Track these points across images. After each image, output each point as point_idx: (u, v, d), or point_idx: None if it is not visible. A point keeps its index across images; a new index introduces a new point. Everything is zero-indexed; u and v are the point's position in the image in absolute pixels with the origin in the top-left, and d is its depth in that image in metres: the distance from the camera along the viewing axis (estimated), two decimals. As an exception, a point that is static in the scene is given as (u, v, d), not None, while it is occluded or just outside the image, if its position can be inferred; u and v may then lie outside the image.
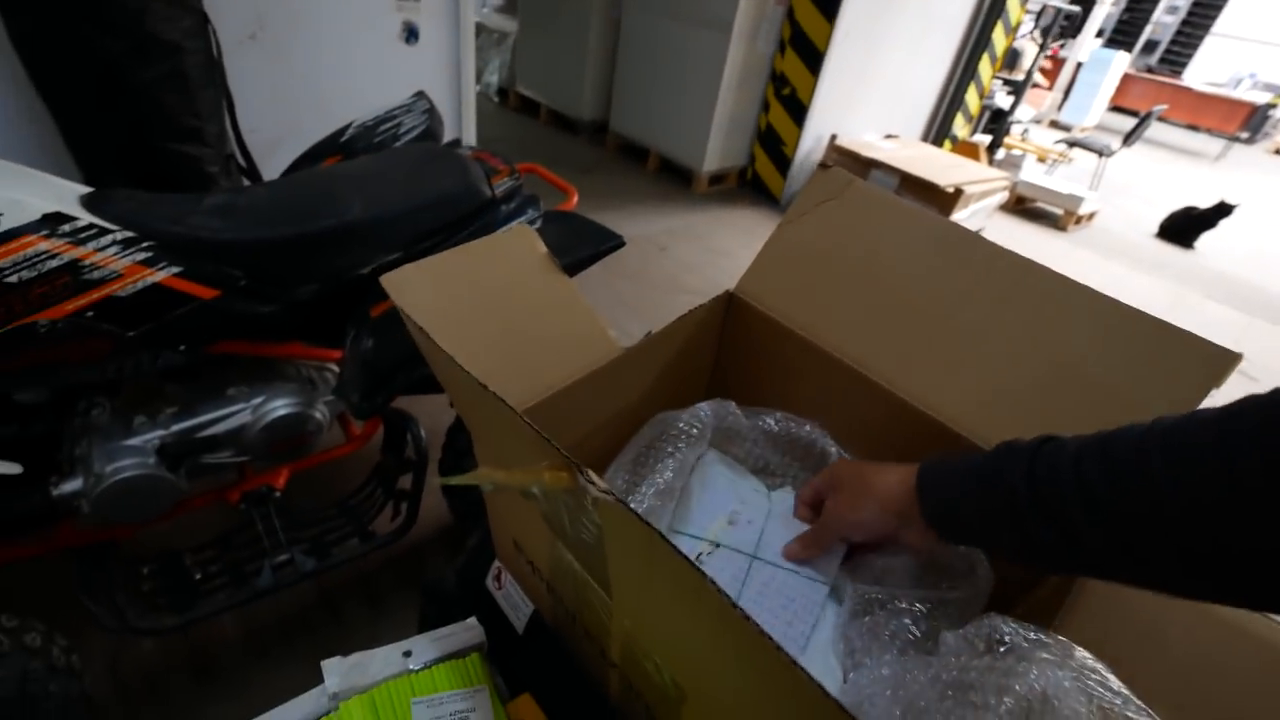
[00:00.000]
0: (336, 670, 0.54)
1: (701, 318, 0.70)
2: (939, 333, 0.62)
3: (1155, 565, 0.39)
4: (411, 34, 2.26)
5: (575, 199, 1.48)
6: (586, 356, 0.62)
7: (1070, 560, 0.43)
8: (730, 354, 0.77)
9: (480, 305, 0.60)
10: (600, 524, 0.39)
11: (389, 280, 0.57)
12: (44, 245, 0.88)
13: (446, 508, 1.60)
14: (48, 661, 0.93)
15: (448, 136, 1.58)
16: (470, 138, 2.62)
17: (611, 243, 1.30)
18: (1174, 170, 7.77)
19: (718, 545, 0.61)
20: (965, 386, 0.60)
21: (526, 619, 0.72)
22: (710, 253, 3.48)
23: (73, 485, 1.07)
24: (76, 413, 1.12)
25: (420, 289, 0.57)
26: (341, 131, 1.44)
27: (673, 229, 3.67)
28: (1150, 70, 10.81)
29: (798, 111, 4.00)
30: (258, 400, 1.22)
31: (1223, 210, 4.92)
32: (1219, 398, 0.44)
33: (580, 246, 1.26)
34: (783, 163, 4.19)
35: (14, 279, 0.87)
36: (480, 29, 5.20)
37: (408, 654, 0.57)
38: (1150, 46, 10.99)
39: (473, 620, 0.62)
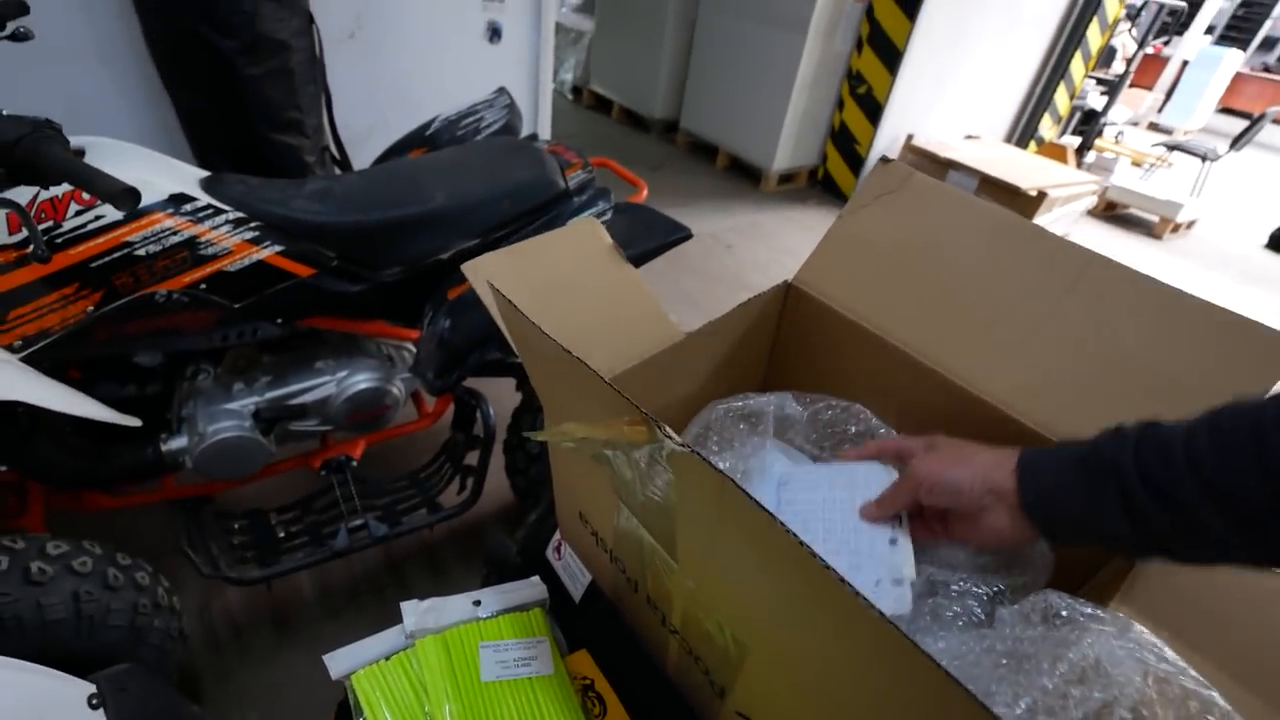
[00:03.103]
0: (413, 611, 0.59)
1: (761, 307, 0.71)
2: (998, 322, 0.62)
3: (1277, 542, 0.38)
4: (495, 33, 2.35)
5: (645, 193, 1.52)
6: (649, 340, 0.65)
7: (1189, 544, 0.42)
8: (787, 343, 0.79)
9: (550, 291, 0.64)
10: (672, 481, 0.41)
11: (470, 267, 0.62)
12: (169, 222, 0.98)
13: (509, 487, 1.67)
14: (154, 599, 1.03)
15: (525, 131, 1.64)
16: (546, 132, 2.70)
17: (679, 234, 1.33)
18: (1290, 178, 7.17)
19: None
20: (1025, 375, 0.60)
21: (584, 589, 0.75)
22: (776, 251, 3.45)
23: (179, 442, 1.18)
24: (185, 377, 1.23)
25: (497, 275, 0.61)
26: (427, 125, 1.52)
27: (739, 227, 3.66)
28: (1268, 69, 9.99)
29: (873, 110, 3.91)
30: (342, 374, 1.30)
31: (1343, 222, 4.52)
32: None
33: (648, 238, 1.29)
34: (856, 162, 4.11)
35: (143, 252, 0.97)
36: (558, 28, 5.26)
37: (477, 603, 0.61)
38: (1269, 44, 10.16)
39: (536, 578, 0.66)
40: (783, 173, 4.16)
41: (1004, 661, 0.42)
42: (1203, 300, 0.54)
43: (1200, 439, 0.40)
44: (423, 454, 1.61)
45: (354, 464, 1.44)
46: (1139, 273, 0.57)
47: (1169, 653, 0.40)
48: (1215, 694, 0.39)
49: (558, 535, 0.81)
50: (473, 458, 1.45)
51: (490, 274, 0.60)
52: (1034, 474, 0.48)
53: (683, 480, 0.41)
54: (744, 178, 4.30)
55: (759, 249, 3.46)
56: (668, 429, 0.38)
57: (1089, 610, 0.44)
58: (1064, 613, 0.44)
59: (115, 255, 0.95)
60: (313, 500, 1.44)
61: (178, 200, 0.98)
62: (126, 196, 0.68)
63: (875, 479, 0.59)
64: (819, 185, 4.37)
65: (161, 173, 1.00)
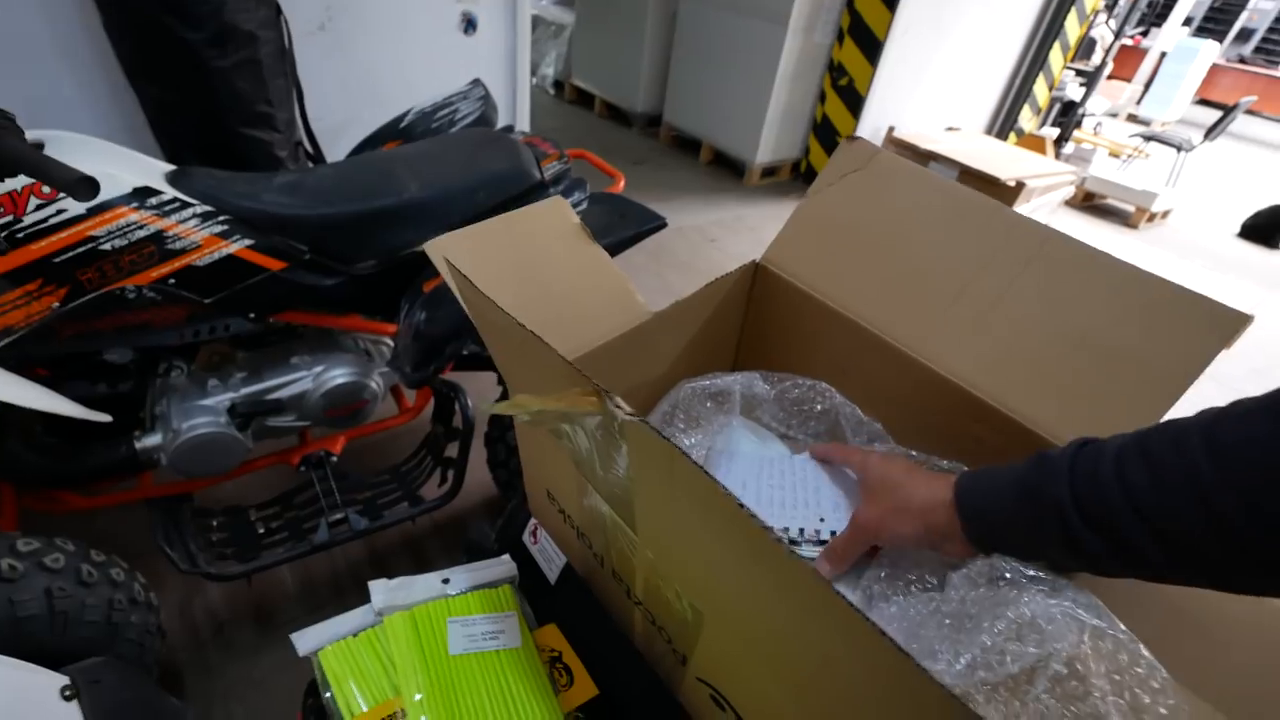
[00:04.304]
0: (382, 590, 0.59)
1: (729, 286, 0.72)
2: (959, 299, 0.63)
3: (1216, 565, 0.38)
4: (470, 24, 2.33)
5: (622, 183, 1.51)
6: (617, 319, 0.65)
7: (1126, 567, 0.42)
8: (756, 321, 0.79)
9: (516, 270, 0.64)
10: (626, 452, 0.42)
11: (432, 246, 0.62)
12: (134, 216, 0.97)
13: (490, 479, 1.67)
14: (130, 595, 1.02)
15: (502, 123, 1.64)
16: (524, 125, 2.69)
17: (653, 223, 1.33)
18: (1264, 166, 7.29)
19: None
20: (983, 351, 0.61)
21: (559, 571, 0.76)
22: (760, 245, 3.38)
23: (153, 440, 1.17)
24: (157, 374, 1.22)
25: (461, 254, 0.61)
26: (401, 117, 1.51)
27: (723, 220, 3.67)
28: (1243, 60, 10.13)
29: (855, 102, 3.93)
30: (318, 369, 1.30)
31: (1315, 209, 4.60)
32: (1228, 359, 0.45)
33: (623, 226, 1.30)
34: (837, 155, 4.13)
35: (107, 246, 0.96)
36: (538, 21, 5.28)
37: (446, 581, 0.62)
38: (1244, 35, 10.30)
39: (506, 556, 0.66)
40: (766, 166, 4.17)
41: (948, 622, 0.43)
42: (1151, 274, 0.55)
43: (1132, 465, 0.40)
44: (405, 448, 1.60)
45: (334, 459, 1.43)
46: (1091, 248, 0.58)
47: (1102, 608, 0.42)
48: (1141, 646, 0.40)
49: (534, 520, 0.81)
50: (453, 450, 1.45)
51: (452, 253, 0.60)
52: (975, 514, 0.48)
53: (635, 450, 0.42)
54: (728, 171, 4.30)
55: (743, 242, 3.47)
56: (618, 399, 0.39)
57: (1030, 572, 0.45)
58: (1008, 574, 0.45)
59: (79, 250, 0.93)
60: (292, 496, 1.43)
61: (142, 194, 0.97)
62: (84, 186, 0.67)
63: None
64: (802, 178, 4.39)
65: (125, 166, 0.99)
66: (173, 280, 1.03)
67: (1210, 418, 0.39)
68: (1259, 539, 0.36)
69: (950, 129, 4.46)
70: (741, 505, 0.34)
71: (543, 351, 0.44)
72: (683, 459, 0.36)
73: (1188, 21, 9.16)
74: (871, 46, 3.73)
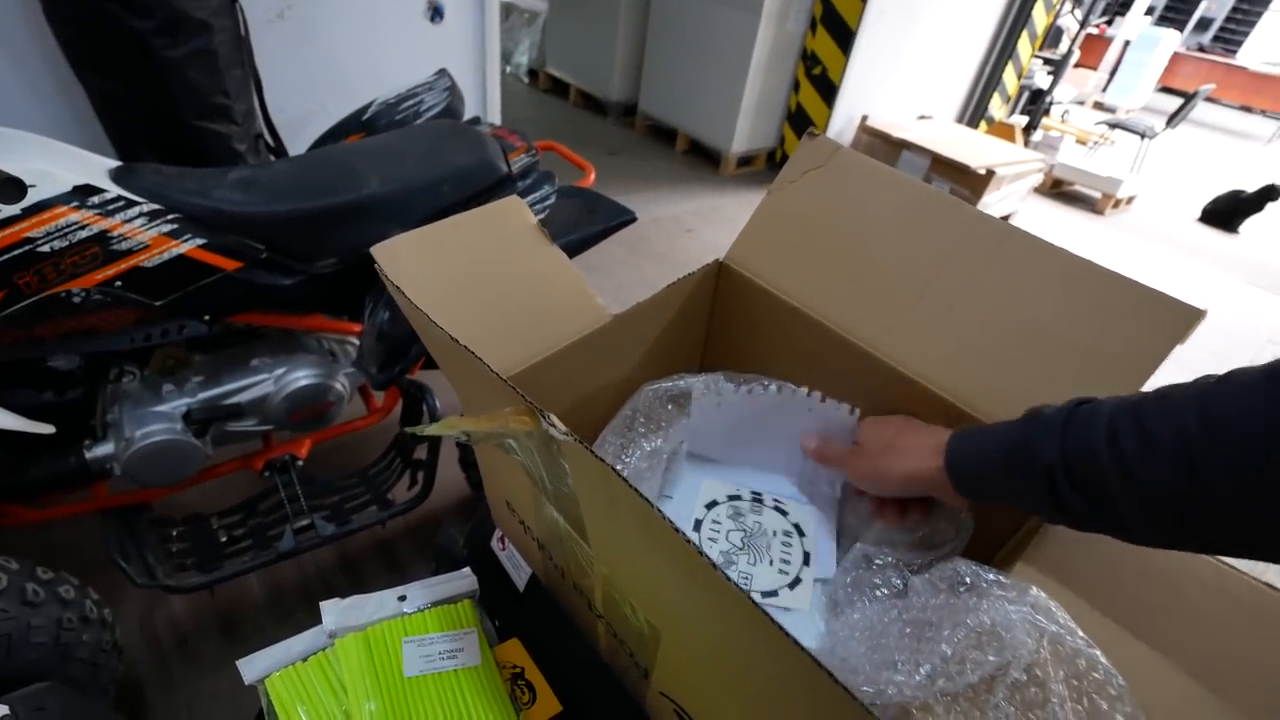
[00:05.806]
0: (334, 610, 0.57)
1: (692, 287, 0.70)
2: (920, 296, 0.62)
3: (1199, 535, 0.39)
4: (437, 12, 2.27)
5: (592, 176, 1.49)
6: (575, 324, 0.63)
7: (1108, 528, 0.43)
8: (722, 321, 0.78)
9: (469, 274, 0.62)
10: (569, 470, 0.40)
11: (379, 250, 0.59)
12: (74, 216, 0.92)
13: (463, 479, 1.64)
14: (81, 613, 0.98)
15: (471, 115, 1.59)
16: (494, 116, 2.63)
17: (623, 218, 1.30)
18: (1222, 153, 7.46)
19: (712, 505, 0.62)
20: (945, 348, 0.60)
21: (527, 578, 0.74)
22: (736, 234, 3.45)
23: (105, 449, 1.12)
24: (108, 380, 1.17)
25: (410, 258, 0.59)
26: (364, 109, 1.46)
27: (700, 210, 3.65)
28: (1202, 49, 10.36)
29: (828, 91, 3.92)
30: (280, 371, 1.25)
31: (1270, 194, 4.70)
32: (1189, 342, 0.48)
33: (591, 221, 1.27)
34: (811, 144, 4.12)
35: (46, 248, 0.90)
36: (510, 9, 5.19)
37: (402, 598, 0.60)
38: (1204, 24, 10.53)
39: (466, 570, 0.64)
40: (741, 155, 4.15)
41: (908, 630, 0.43)
42: (1109, 270, 0.55)
43: (1124, 429, 0.40)
44: (377, 448, 1.57)
45: (299, 463, 1.39)
46: (1050, 244, 0.58)
47: (1061, 614, 0.42)
48: (1098, 652, 0.40)
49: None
50: (422, 451, 1.42)
51: (399, 258, 0.57)
52: (962, 467, 0.50)
53: (575, 470, 0.40)
54: (703, 161, 4.28)
55: (720, 232, 3.45)
56: (553, 417, 0.37)
57: (991, 577, 0.45)
58: (969, 580, 0.46)
59: (15, 252, 0.88)
60: (256, 502, 1.39)
61: (83, 192, 0.92)
62: (7, 188, 0.63)
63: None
64: (777, 167, 4.37)
65: (63, 163, 0.93)
66: (120, 282, 0.98)
67: (1205, 388, 0.39)
68: (1246, 514, 0.36)
69: (922, 117, 4.48)
70: (678, 531, 0.32)
71: (478, 366, 0.42)
72: (620, 482, 0.34)
73: (1150, 11, 9.33)
74: (844, 35, 3.72)
